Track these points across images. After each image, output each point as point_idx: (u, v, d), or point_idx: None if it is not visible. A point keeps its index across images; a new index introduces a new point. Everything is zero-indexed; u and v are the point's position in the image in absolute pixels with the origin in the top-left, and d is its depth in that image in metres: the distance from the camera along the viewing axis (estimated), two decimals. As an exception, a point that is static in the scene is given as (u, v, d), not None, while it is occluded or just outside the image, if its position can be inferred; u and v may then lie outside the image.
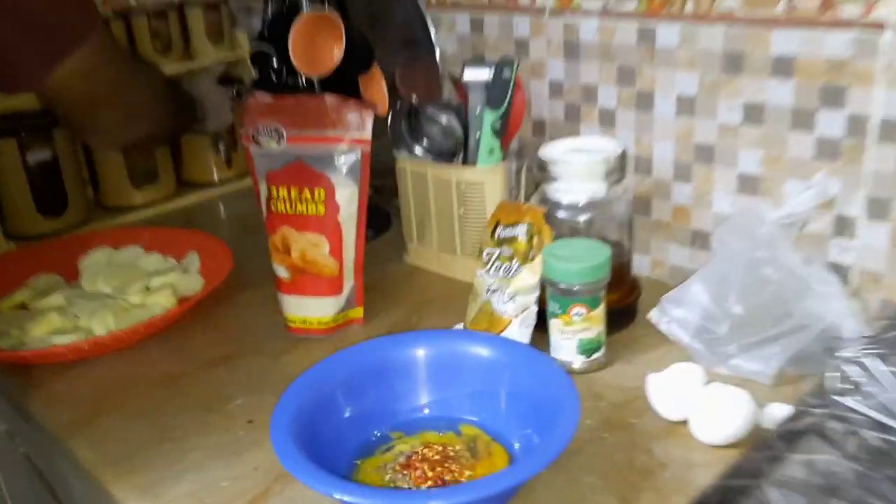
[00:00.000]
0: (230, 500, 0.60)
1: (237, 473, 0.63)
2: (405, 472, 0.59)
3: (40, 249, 1.01)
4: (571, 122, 0.94)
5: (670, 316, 0.76)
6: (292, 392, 0.60)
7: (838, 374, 0.63)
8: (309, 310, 0.83)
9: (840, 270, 0.76)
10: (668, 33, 0.82)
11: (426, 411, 0.66)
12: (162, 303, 0.87)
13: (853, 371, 0.63)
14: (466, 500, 0.49)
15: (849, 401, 0.61)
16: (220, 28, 1.29)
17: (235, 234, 1.10)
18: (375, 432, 0.64)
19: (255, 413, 0.70)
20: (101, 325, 0.82)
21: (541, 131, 0.98)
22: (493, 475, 0.54)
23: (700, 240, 0.87)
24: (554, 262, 0.72)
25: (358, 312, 0.85)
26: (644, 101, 0.86)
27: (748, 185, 0.81)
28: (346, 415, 0.61)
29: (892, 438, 0.58)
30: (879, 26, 0.68)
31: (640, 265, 0.92)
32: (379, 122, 0.85)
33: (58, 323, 0.82)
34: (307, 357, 0.76)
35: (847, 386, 0.62)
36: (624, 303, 0.82)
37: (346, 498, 0.49)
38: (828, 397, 0.63)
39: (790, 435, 0.61)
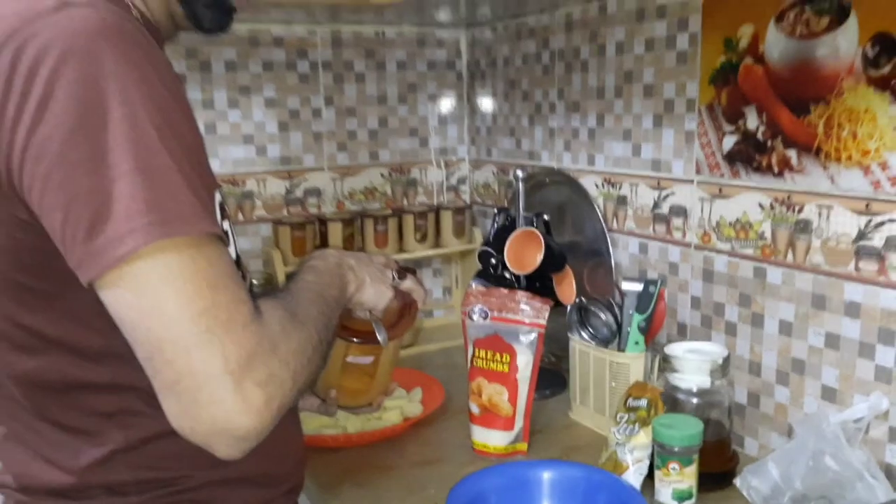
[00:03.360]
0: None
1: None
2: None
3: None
4: (705, 329, 1.24)
5: (748, 483, 1.01)
6: (463, 485, 0.94)
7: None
8: (489, 438, 1.18)
9: (891, 470, 0.97)
10: (774, 273, 1.11)
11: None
12: (392, 419, 1.26)
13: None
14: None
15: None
16: (462, 225, 1.75)
17: (450, 378, 1.48)
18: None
19: (441, 501, 1.05)
20: (353, 426, 1.22)
21: (683, 333, 1.28)
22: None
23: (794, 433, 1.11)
24: (660, 428, 1.02)
25: (523, 446, 1.18)
26: (757, 321, 1.15)
27: (828, 394, 1.05)
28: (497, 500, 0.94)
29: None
30: (916, 289, 0.94)
31: (750, 447, 1.17)
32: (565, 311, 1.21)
33: (327, 422, 1.24)
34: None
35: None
36: (722, 469, 1.07)
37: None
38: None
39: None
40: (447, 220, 1.73)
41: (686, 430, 1.00)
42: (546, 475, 0.98)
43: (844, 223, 1.01)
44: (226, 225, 0.75)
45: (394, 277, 0.99)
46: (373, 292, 0.94)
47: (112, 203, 0.57)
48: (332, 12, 1.54)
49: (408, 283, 1.02)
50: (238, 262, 0.79)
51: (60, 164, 0.57)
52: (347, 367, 1.01)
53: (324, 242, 1.64)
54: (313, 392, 1.04)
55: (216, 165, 1.60)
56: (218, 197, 0.73)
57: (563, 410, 1.34)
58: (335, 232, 1.63)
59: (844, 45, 0.98)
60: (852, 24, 0.96)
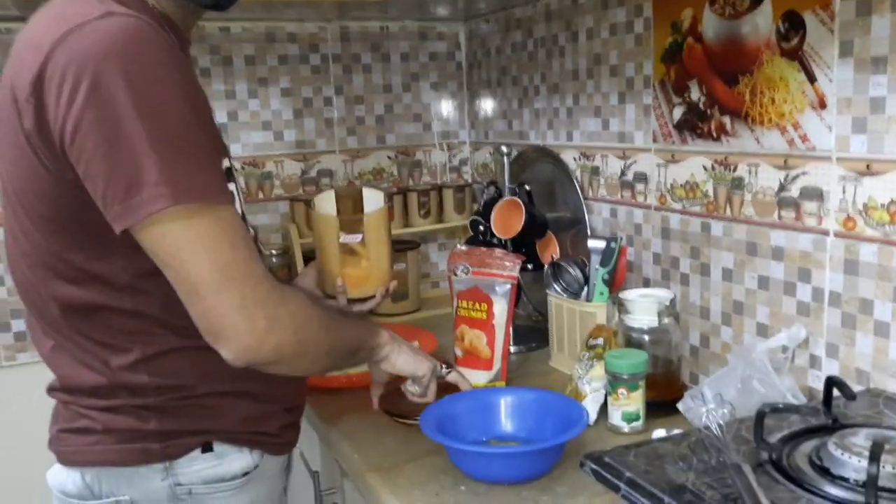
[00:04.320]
0: (397, 455, 1.12)
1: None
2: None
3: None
4: (665, 281, 1.39)
5: (687, 405, 1.16)
6: (437, 406, 1.11)
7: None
8: (471, 377, 1.34)
9: (813, 392, 1.12)
10: (717, 226, 1.26)
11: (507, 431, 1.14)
12: (390, 364, 1.44)
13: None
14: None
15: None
16: (463, 202, 1.91)
17: (445, 334, 1.65)
18: (481, 437, 1.13)
19: (424, 423, 1.22)
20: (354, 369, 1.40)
21: (647, 285, 1.43)
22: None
23: (737, 367, 1.25)
24: (611, 360, 1.17)
25: (501, 384, 1.35)
26: (705, 270, 1.30)
27: (762, 330, 1.20)
28: (464, 419, 1.11)
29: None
30: (826, 233, 1.08)
31: (703, 381, 1.32)
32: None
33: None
34: (461, 400, 1.27)
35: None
36: (670, 397, 1.22)
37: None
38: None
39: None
40: (449, 197, 1.90)
41: (632, 359, 1.16)
42: (505, 398, 1.15)
43: (768, 178, 1.16)
44: (231, 187, 0.93)
45: (441, 368, 1.18)
46: (411, 360, 1.12)
47: (144, 173, 0.76)
48: (341, 9, 1.72)
49: (454, 376, 1.21)
50: (255, 238, 0.98)
51: (105, 141, 0.76)
52: (344, 251, 1.20)
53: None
54: (325, 294, 1.24)
55: (238, 150, 1.80)
56: (226, 162, 0.92)
57: (545, 360, 1.50)
58: (345, 208, 1.81)
59: (762, 22, 1.12)
60: (767, 4, 1.11)
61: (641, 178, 1.42)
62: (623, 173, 1.47)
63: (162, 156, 0.76)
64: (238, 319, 0.81)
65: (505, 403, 1.15)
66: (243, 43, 1.78)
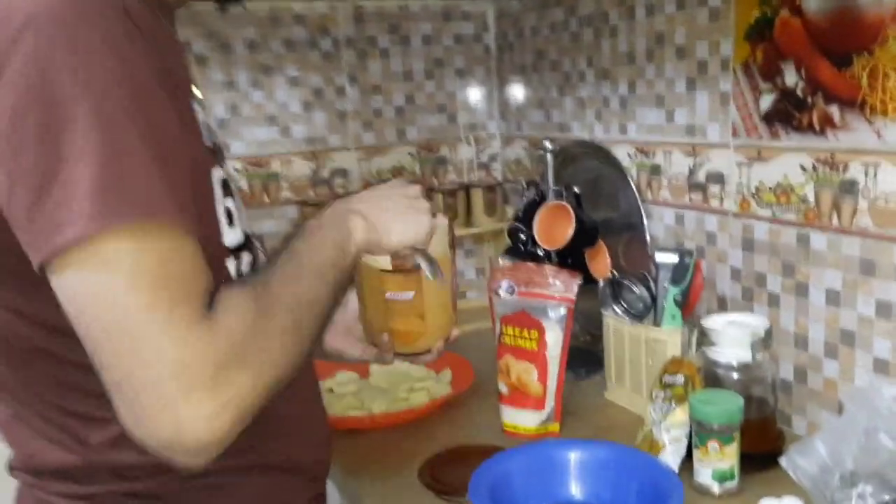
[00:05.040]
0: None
1: None
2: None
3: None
4: (746, 301, 1.17)
5: (795, 463, 0.95)
6: (486, 467, 0.90)
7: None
8: (519, 419, 1.13)
9: (952, 447, 0.90)
10: (819, 239, 1.04)
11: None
12: (420, 400, 1.23)
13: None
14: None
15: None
16: (494, 204, 1.70)
17: (481, 360, 1.43)
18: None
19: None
20: (379, 407, 1.19)
21: (723, 306, 1.22)
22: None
23: (844, 408, 1.04)
24: (698, 405, 0.96)
25: (555, 427, 1.13)
26: (802, 291, 1.08)
27: (881, 366, 0.98)
28: (522, 481, 0.90)
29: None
30: (975, 250, 0.86)
31: (798, 426, 1.10)
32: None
33: (352, 403, 1.21)
34: (510, 450, 1.06)
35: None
36: (766, 448, 1.01)
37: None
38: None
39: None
40: (478, 198, 1.68)
41: (725, 405, 0.94)
42: (574, 455, 0.93)
43: (894, 182, 0.94)
44: (229, 202, 0.71)
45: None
46: (401, 227, 0.80)
47: (57, 185, 0.53)
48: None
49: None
50: (248, 243, 0.75)
51: (7, 140, 0.54)
52: (391, 306, 0.90)
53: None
54: (370, 341, 0.95)
55: (240, 148, 1.58)
56: (219, 173, 0.70)
57: (599, 391, 1.28)
58: (362, 213, 1.59)
59: (890, -12, 0.90)
60: (898, -36, 0.89)
61: (716, 178, 1.20)
62: (692, 173, 1.25)
63: (92, 161, 0.54)
64: (168, 402, 0.56)
65: (574, 461, 0.93)
66: (243, 26, 1.56)
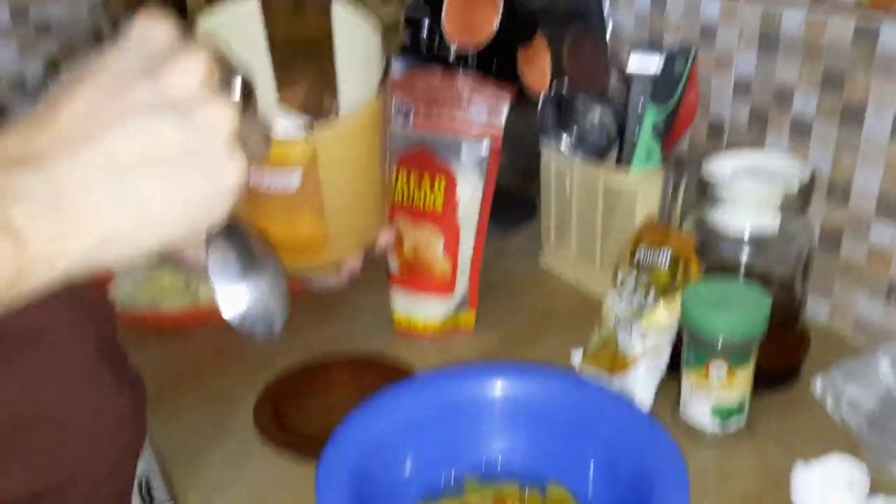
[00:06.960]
0: None
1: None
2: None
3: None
4: (756, 130, 0.79)
5: (839, 391, 0.61)
6: (345, 433, 0.52)
7: None
8: (417, 309, 0.75)
9: None
10: (891, 35, 0.65)
11: (499, 458, 0.56)
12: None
13: None
14: None
15: None
16: (390, -16, 1.22)
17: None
18: (444, 475, 0.55)
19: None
20: (207, 292, 0.79)
21: (717, 136, 0.83)
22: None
23: (899, 295, 0.69)
24: (696, 307, 0.59)
25: (469, 320, 0.76)
26: (851, 115, 0.69)
27: (975, 239, 0.63)
28: (411, 454, 0.53)
29: None
30: None
31: (815, 311, 0.76)
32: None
33: (165, 285, 0.80)
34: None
35: None
36: (784, 360, 0.67)
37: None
38: None
39: None
40: (367, -26, 1.20)
41: (741, 310, 0.58)
42: (498, 391, 0.56)
43: None
44: None
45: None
46: (162, 207, 0.31)
47: None
48: None
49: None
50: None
51: None
52: (261, 201, 0.50)
53: None
54: None
55: None
56: None
57: (531, 254, 0.91)
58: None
59: None
60: None
61: (725, -64, 0.77)
62: (685, -72, 0.81)
63: None
64: None
65: (502, 402, 0.56)
66: None
